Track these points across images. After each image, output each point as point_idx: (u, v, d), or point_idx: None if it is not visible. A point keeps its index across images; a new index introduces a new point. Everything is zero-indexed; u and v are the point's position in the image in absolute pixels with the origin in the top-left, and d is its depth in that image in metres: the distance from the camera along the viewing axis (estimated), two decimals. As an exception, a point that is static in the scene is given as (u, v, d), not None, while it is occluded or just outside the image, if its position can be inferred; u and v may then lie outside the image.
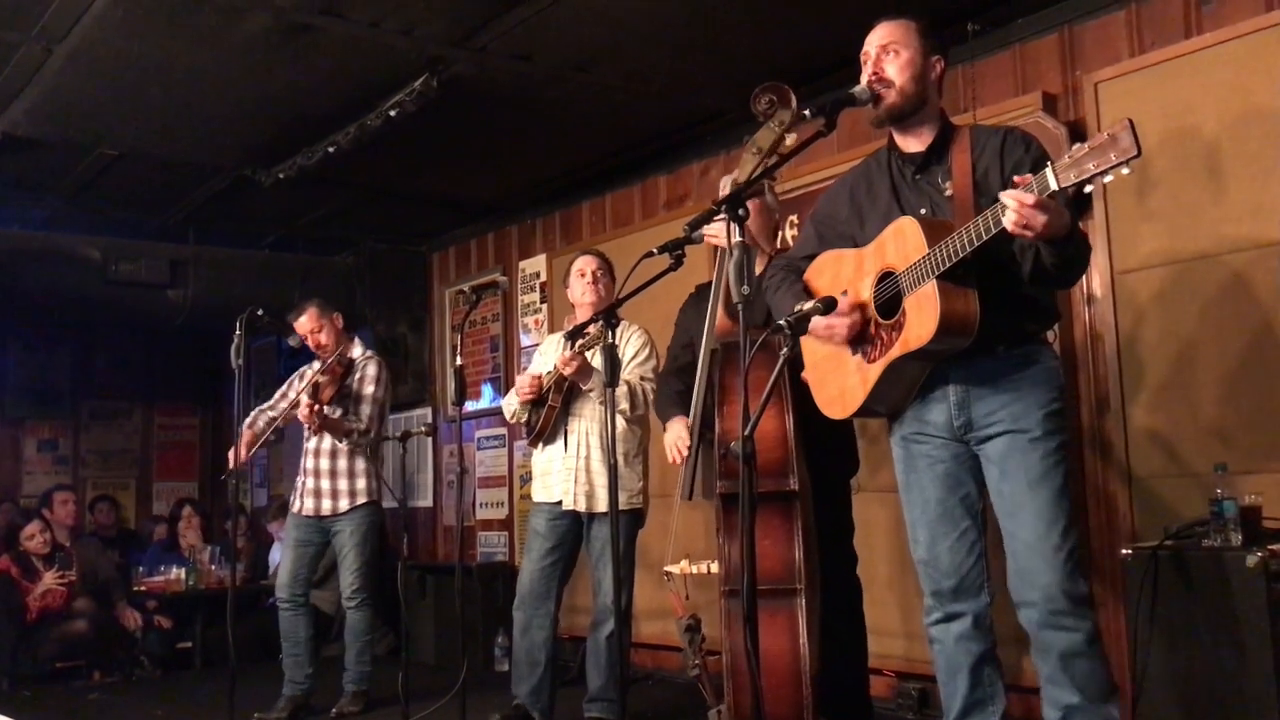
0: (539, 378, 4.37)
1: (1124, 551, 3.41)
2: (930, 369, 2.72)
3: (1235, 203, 3.70)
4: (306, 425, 5.04)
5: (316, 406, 4.94)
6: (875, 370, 2.72)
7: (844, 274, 2.84)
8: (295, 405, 5.10)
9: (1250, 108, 3.64)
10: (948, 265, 2.49)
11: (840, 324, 2.75)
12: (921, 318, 2.57)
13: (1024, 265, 2.57)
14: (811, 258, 2.98)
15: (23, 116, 5.15)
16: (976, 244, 2.44)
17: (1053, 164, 2.29)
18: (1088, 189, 2.29)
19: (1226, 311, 3.72)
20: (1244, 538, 3.12)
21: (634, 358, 4.32)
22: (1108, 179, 2.23)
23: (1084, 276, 4.11)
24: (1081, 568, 2.65)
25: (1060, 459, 2.66)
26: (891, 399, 2.80)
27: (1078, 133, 4.12)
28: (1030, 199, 2.29)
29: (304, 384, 5.17)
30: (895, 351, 2.64)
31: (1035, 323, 2.75)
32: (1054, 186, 2.27)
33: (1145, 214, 3.96)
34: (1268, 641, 2.96)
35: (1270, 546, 3.05)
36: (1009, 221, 2.33)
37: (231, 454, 4.96)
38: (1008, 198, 2.33)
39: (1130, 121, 2.19)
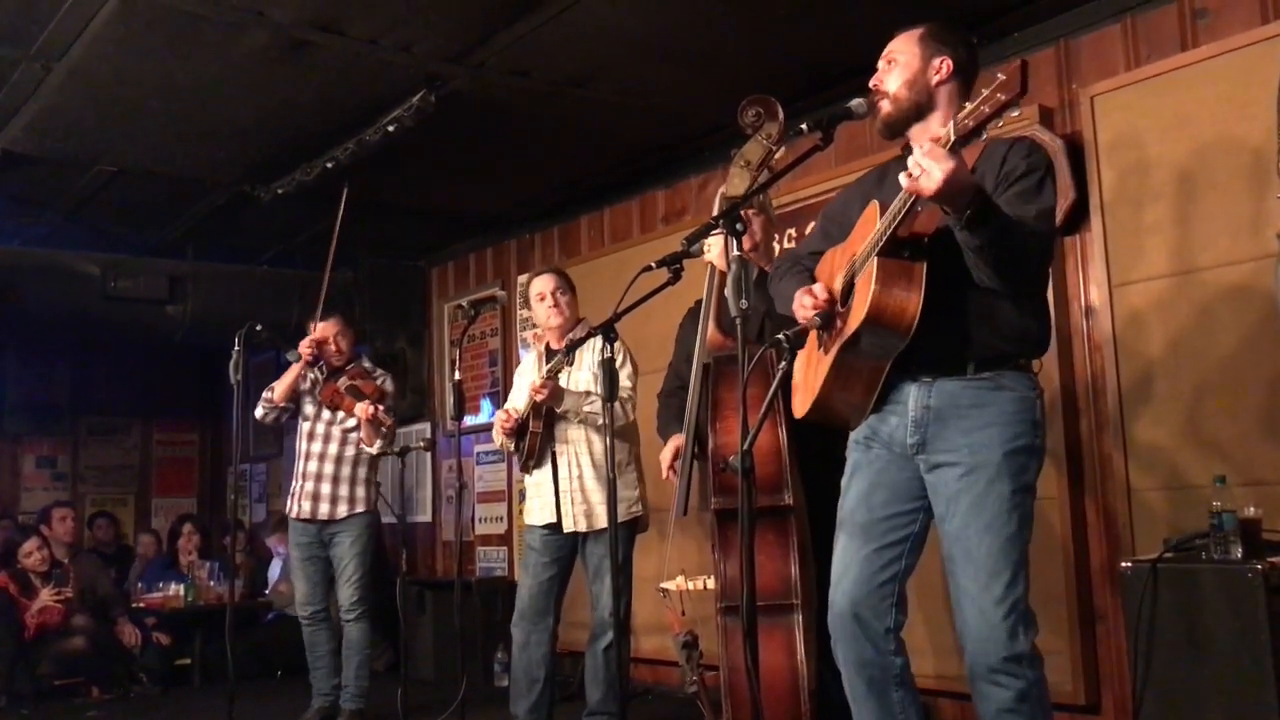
0: (509, 412, 4.37)
1: (1123, 564, 3.40)
2: (886, 372, 2.56)
3: (1233, 215, 3.71)
4: (366, 426, 5.02)
5: (381, 408, 4.97)
6: (827, 362, 2.60)
7: (832, 269, 2.74)
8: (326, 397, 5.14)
9: (1247, 119, 3.64)
10: (884, 238, 2.39)
11: (800, 303, 2.62)
12: (859, 299, 2.45)
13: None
14: (817, 254, 2.86)
15: (22, 133, 5.17)
16: (903, 211, 2.34)
17: (955, 115, 2.21)
18: (984, 134, 2.20)
19: (1225, 324, 3.72)
20: (1244, 550, 3.11)
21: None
22: (1000, 122, 2.16)
23: (1081, 288, 4.16)
24: (1025, 621, 2.47)
25: (1016, 504, 2.49)
26: (846, 402, 2.65)
27: (1075, 146, 4.13)
28: (924, 148, 2.20)
29: (325, 386, 5.14)
30: (842, 337, 2.52)
31: (1014, 345, 2.56)
32: (952, 135, 2.20)
33: (1143, 227, 3.96)
34: (1268, 654, 2.95)
35: (1270, 559, 3.04)
36: (905, 177, 2.25)
37: (275, 388, 5.16)
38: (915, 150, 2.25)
39: (1023, 61, 2.17)
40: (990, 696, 2.49)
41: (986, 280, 2.43)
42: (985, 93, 2.16)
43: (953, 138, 2.20)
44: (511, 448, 4.46)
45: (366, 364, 5.35)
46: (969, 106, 2.19)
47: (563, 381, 4.27)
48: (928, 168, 2.20)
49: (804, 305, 2.60)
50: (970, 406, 2.53)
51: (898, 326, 2.43)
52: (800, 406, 2.78)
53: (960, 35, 2.74)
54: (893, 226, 2.38)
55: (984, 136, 2.24)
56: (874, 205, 2.55)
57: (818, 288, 2.62)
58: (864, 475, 2.69)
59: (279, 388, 5.21)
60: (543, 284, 4.46)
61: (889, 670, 2.62)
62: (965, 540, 2.50)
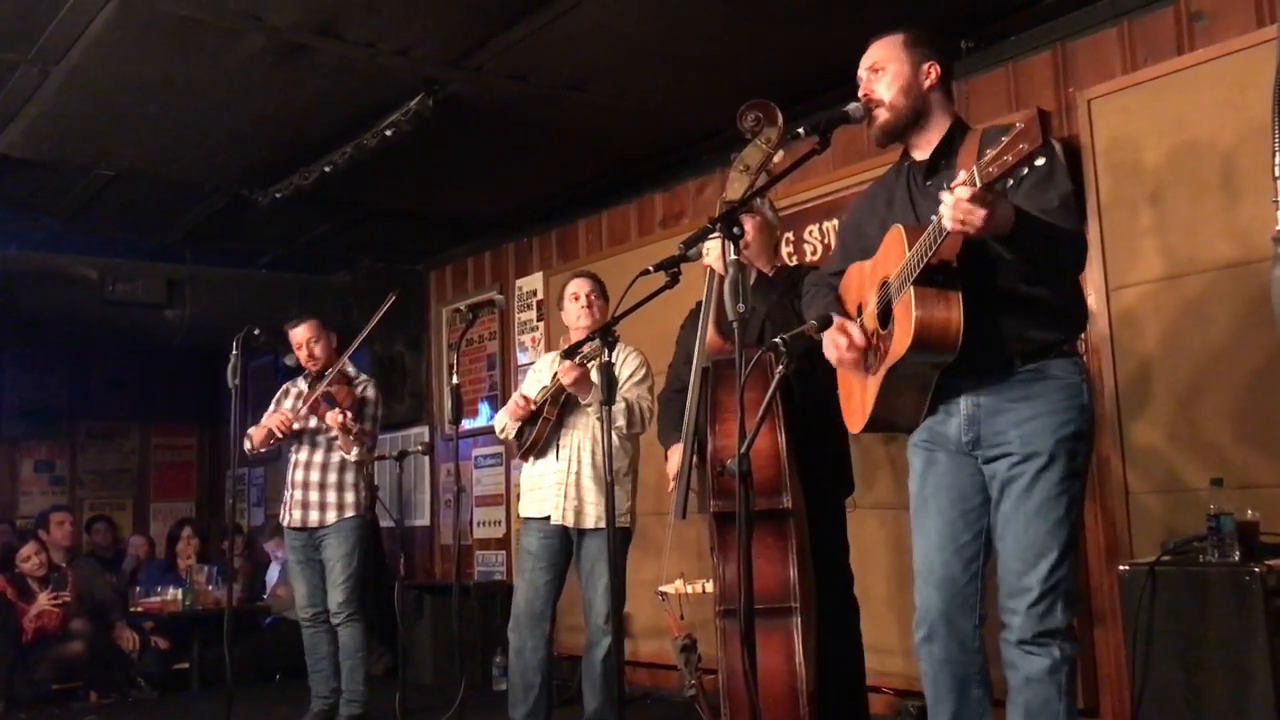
0: (528, 398, 4.36)
1: (1121, 567, 3.40)
2: (936, 380, 2.64)
3: (1230, 217, 3.71)
4: (339, 433, 5.03)
5: (350, 414, 4.97)
6: (875, 382, 2.68)
7: (860, 287, 2.82)
8: (294, 415, 5.14)
9: (1243, 123, 3.65)
10: (918, 271, 2.46)
11: (835, 342, 2.73)
12: (901, 326, 2.53)
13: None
14: (840, 272, 2.94)
15: (20, 137, 5.17)
16: (935, 245, 2.41)
17: (978, 161, 2.26)
18: (1009, 182, 2.25)
19: (1222, 326, 3.73)
20: (1241, 553, 3.11)
21: (630, 377, 4.32)
22: (1024, 171, 2.21)
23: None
24: (1067, 599, 2.56)
25: (1066, 488, 2.57)
26: (901, 411, 2.74)
27: (1071, 149, 4.13)
28: (967, 193, 2.27)
29: (308, 395, 5.14)
30: (887, 362, 2.61)
31: (1054, 333, 2.62)
32: (978, 183, 2.24)
33: (1140, 230, 3.97)
34: (1266, 657, 2.95)
35: (1268, 562, 3.05)
36: (946, 220, 2.31)
37: (253, 435, 5.16)
38: (944, 196, 2.31)
39: (1039, 111, 2.21)
40: (1021, 665, 2.58)
41: (1033, 279, 2.52)
42: (1005, 141, 2.20)
43: (979, 184, 2.25)
44: (514, 433, 4.44)
45: (349, 369, 5.31)
46: (991, 154, 2.23)
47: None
48: (964, 213, 2.27)
49: (839, 345, 2.70)
50: (1019, 399, 2.60)
51: (943, 345, 2.50)
52: (854, 423, 2.86)
53: (940, 39, 2.81)
54: (925, 261, 2.44)
55: (1011, 184, 2.29)
56: (898, 230, 2.59)
57: (855, 331, 2.70)
58: (929, 478, 2.77)
59: (256, 438, 5.22)
60: (579, 285, 4.44)
61: (971, 667, 2.71)
62: (1016, 523, 2.59)
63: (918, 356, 2.53)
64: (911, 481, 2.83)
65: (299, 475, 5.19)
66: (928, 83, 2.73)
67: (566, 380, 4.13)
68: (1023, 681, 2.58)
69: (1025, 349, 2.60)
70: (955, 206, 2.27)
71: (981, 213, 2.26)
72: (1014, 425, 2.60)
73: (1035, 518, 2.56)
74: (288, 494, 5.22)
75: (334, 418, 4.96)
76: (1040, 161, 2.19)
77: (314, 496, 5.14)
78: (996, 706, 2.75)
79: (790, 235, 5.13)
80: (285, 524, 5.23)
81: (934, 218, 2.39)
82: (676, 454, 3.82)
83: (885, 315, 2.64)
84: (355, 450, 5.09)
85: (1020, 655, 2.58)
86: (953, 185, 2.30)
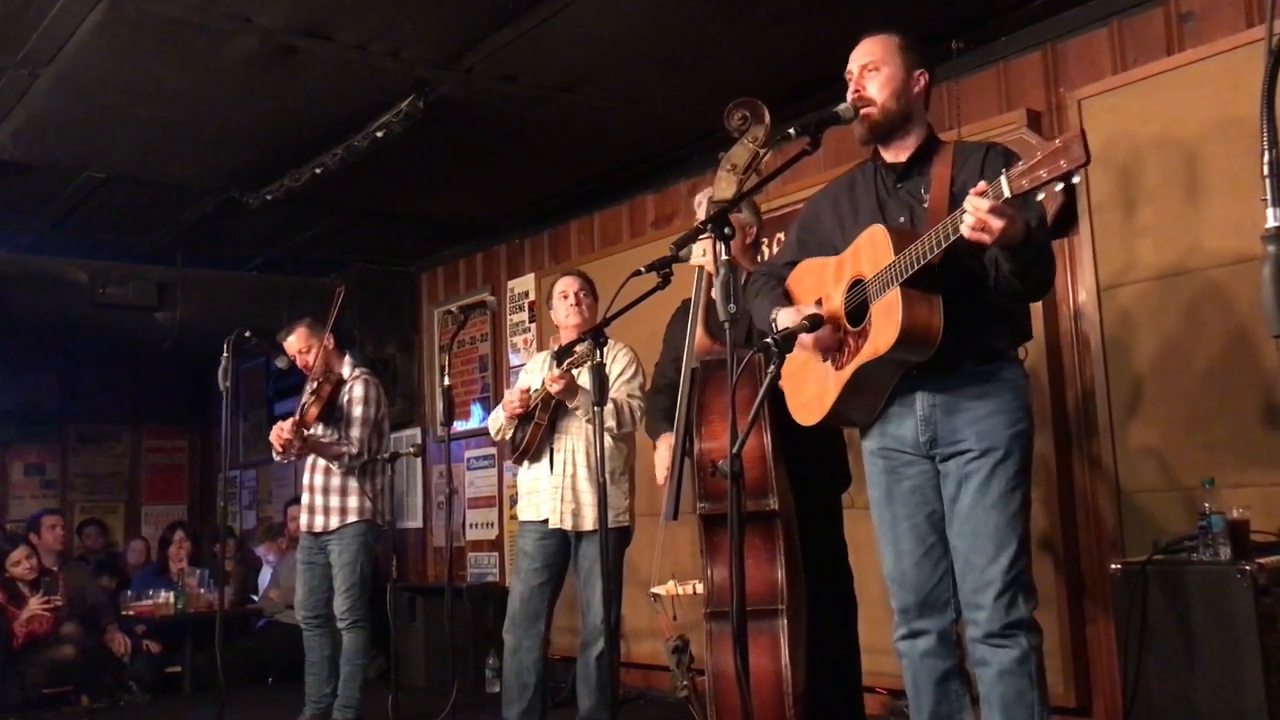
0: (527, 392, 4.35)
1: (1113, 566, 3.40)
2: (898, 379, 2.72)
3: (1220, 216, 3.72)
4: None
5: (298, 429, 4.93)
6: (842, 377, 2.73)
7: (821, 281, 2.86)
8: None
9: (1233, 122, 3.66)
10: (911, 272, 2.51)
11: (817, 339, 2.77)
12: (885, 325, 2.58)
13: (990, 274, 2.58)
14: (792, 264, 3.01)
15: (9, 140, 5.15)
16: (938, 250, 2.46)
17: (1006, 171, 2.31)
18: (1040, 195, 2.29)
19: (1212, 325, 3.74)
20: (1232, 552, 3.12)
21: (620, 375, 4.32)
22: (1059, 187, 2.24)
23: (1071, 291, 4.18)
24: (1027, 591, 2.65)
25: (1020, 482, 2.67)
26: (860, 407, 2.81)
27: (1062, 149, 4.14)
28: (986, 204, 2.32)
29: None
30: (860, 359, 2.66)
31: (1005, 339, 2.74)
32: (1006, 193, 2.29)
33: (1131, 229, 3.97)
34: (1257, 655, 2.96)
35: (1258, 560, 3.05)
36: (965, 225, 2.36)
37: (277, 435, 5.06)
38: (967, 202, 2.36)
39: (1083, 131, 2.22)
40: (991, 660, 2.65)
41: (1013, 291, 2.57)
42: (1040, 156, 2.23)
43: (1007, 195, 2.30)
44: (509, 434, 4.44)
45: (345, 371, 5.26)
46: (1023, 167, 2.27)
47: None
48: (985, 222, 2.33)
49: (820, 340, 2.74)
50: (974, 399, 2.70)
51: (924, 343, 2.57)
52: (807, 416, 2.91)
53: (929, 49, 2.91)
54: (923, 263, 2.49)
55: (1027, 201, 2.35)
56: (881, 231, 2.65)
57: (824, 330, 2.73)
58: (891, 486, 2.83)
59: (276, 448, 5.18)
60: (567, 283, 4.45)
61: (949, 661, 2.79)
62: (974, 518, 2.66)
63: (898, 355, 2.59)
64: (872, 490, 2.90)
65: (307, 479, 5.18)
66: (916, 90, 2.80)
67: (554, 389, 4.14)
68: (996, 676, 2.65)
69: (979, 353, 2.70)
70: (976, 214, 2.33)
71: (1000, 224, 2.32)
72: (970, 423, 2.68)
73: (994, 510, 2.64)
74: (303, 498, 5.23)
75: (276, 433, 4.96)
76: (1076, 180, 2.22)
77: (319, 501, 5.11)
78: (973, 703, 2.79)
79: (782, 236, 5.12)
80: (300, 527, 5.23)
81: (946, 220, 2.44)
82: (664, 444, 3.82)
83: (857, 314, 2.69)
84: (335, 462, 5.06)
85: (989, 650, 2.65)
86: (976, 190, 2.36)
